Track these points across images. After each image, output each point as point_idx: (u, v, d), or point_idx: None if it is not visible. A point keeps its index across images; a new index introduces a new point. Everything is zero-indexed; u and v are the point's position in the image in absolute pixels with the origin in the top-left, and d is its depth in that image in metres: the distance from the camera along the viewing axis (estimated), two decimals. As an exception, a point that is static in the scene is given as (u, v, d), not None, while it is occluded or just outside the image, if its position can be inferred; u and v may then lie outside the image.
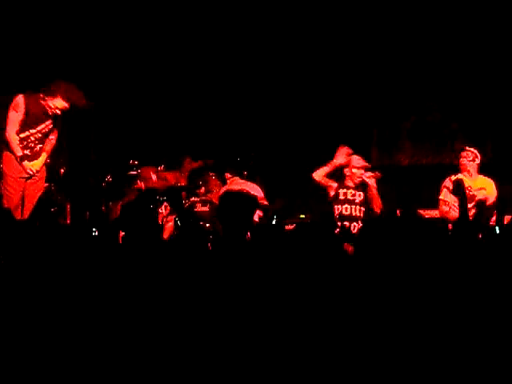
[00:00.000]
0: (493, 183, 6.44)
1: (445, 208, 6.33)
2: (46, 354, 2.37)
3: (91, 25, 8.55)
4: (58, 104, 6.09)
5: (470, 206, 5.69)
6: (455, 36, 8.88)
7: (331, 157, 6.56)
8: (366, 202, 6.45)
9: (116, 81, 8.92)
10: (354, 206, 6.39)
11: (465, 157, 6.39)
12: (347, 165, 6.50)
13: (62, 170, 7.37)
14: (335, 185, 6.49)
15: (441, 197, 6.46)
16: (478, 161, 6.41)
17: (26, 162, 6.21)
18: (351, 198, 6.45)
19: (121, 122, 8.98)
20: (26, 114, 6.08)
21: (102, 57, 8.72)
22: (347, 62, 9.06)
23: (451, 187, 6.26)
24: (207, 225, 7.32)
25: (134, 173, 7.84)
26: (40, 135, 6.24)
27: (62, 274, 2.75)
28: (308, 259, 2.94)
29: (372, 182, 6.42)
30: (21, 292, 2.60)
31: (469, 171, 6.34)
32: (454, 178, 6.30)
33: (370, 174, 6.46)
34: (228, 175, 7.72)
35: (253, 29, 9.00)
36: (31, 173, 6.24)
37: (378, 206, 6.36)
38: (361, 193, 6.49)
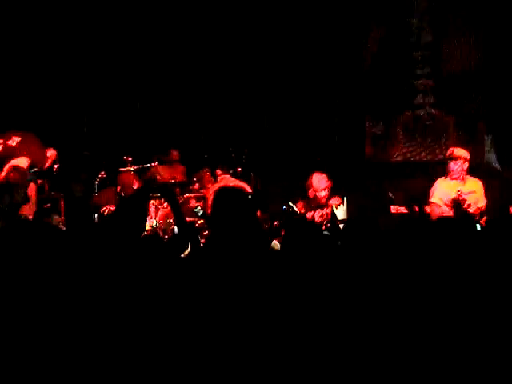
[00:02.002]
0: (481, 184, 6.42)
1: (437, 210, 6.31)
2: (46, 354, 2.38)
3: (86, 21, 8.53)
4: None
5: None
6: (448, 30, 8.89)
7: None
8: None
9: (109, 76, 8.90)
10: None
11: (453, 169, 6.30)
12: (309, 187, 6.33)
13: (56, 166, 7.36)
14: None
15: (432, 200, 6.44)
16: (466, 164, 6.34)
17: None
18: (318, 219, 6.19)
19: (114, 117, 8.96)
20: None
21: (97, 52, 8.70)
22: (340, 56, 9.05)
23: (442, 189, 6.32)
24: (200, 221, 7.25)
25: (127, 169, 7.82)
26: None
27: (57, 273, 2.76)
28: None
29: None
30: (17, 292, 2.60)
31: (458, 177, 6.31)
32: (443, 180, 6.35)
33: (337, 200, 6.15)
34: (219, 172, 7.56)
35: (242, 24, 8.98)
36: None
37: None
38: (323, 212, 6.24)
